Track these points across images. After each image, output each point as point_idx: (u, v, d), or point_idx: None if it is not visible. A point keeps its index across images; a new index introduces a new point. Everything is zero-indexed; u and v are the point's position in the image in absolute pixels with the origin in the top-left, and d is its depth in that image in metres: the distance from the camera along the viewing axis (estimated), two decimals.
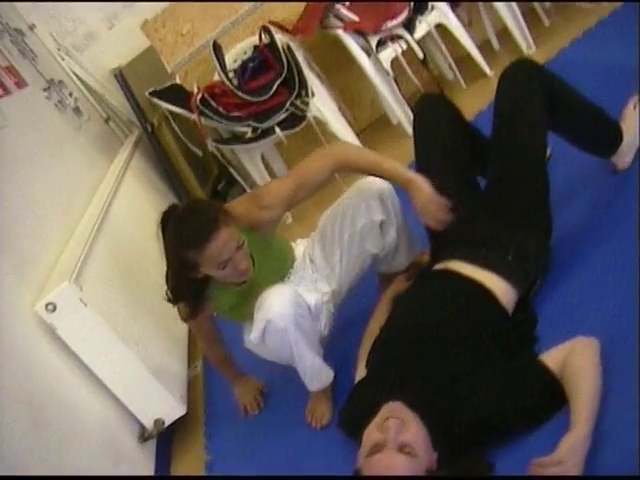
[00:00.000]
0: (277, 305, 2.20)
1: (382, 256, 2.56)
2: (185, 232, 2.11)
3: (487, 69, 4.10)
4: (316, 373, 2.40)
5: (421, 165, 2.35)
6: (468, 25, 4.29)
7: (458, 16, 4.11)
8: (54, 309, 2.52)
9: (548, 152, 2.62)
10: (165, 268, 2.36)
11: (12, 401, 2.20)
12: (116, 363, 2.66)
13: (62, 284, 2.53)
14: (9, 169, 3.23)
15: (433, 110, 2.37)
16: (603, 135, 2.31)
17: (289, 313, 2.20)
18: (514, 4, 4.01)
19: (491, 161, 2.23)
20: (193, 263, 2.14)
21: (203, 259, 2.11)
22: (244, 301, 2.38)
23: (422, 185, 2.20)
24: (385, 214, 2.42)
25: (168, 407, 2.79)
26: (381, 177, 2.34)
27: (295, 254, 2.56)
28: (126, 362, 2.67)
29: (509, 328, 1.97)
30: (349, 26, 3.96)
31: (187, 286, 2.31)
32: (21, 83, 4.29)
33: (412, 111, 3.92)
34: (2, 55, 4.30)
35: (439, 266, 2.15)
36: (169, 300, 2.38)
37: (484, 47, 4.31)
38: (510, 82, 2.18)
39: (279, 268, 2.46)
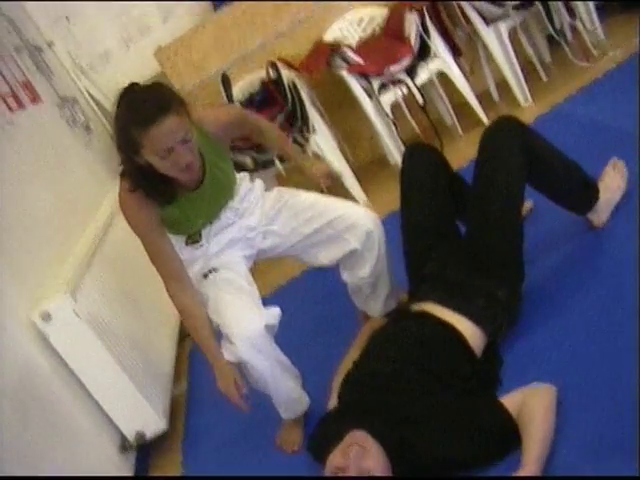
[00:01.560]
0: (247, 342, 2.26)
1: (355, 289, 2.68)
2: (135, 108, 2.08)
3: (484, 118, 4.23)
4: (291, 403, 2.50)
5: (405, 208, 2.48)
6: (469, 74, 4.43)
7: (459, 65, 4.27)
8: (49, 318, 2.65)
9: (531, 205, 2.78)
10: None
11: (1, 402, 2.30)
12: (103, 374, 2.78)
13: (58, 295, 2.66)
14: (16, 180, 3.35)
15: (420, 158, 2.51)
16: (579, 193, 2.44)
17: (264, 350, 2.31)
18: (513, 58, 4.15)
19: (469, 210, 2.36)
20: (136, 144, 2.08)
21: (146, 141, 2.06)
22: (186, 215, 2.37)
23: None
24: (362, 247, 2.51)
25: (150, 421, 2.91)
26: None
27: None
28: (112, 374, 2.79)
29: (475, 370, 2.08)
30: (353, 68, 4.10)
31: (143, 175, 2.23)
32: (36, 98, 4.43)
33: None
34: (20, 70, 4.44)
35: (415, 306, 2.27)
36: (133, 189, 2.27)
37: (483, 96, 4.44)
38: (491, 138, 2.31)
39: (224, 190, 2.45)
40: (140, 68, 5.09)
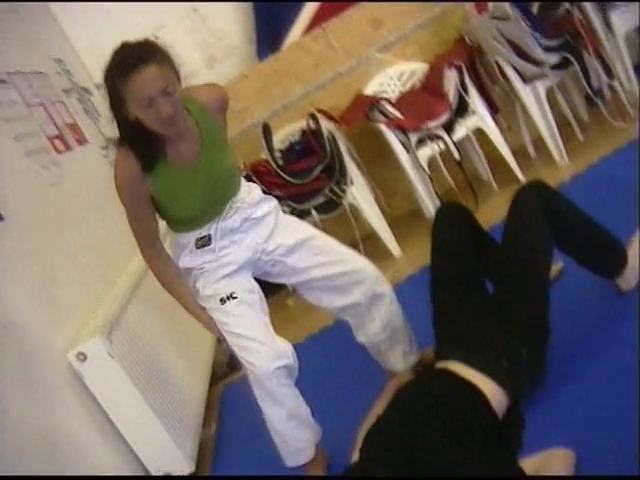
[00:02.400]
0: (258, 383, 2.42)
1: (372, 347, 2.76)
2: (118, 60, 2.13)
3: (520, 175, 4.28)
4: (292, 452, 2.58)
5: (434, 267, 2.53)
6: (506, 130, 4.49)
7: (496, 122, 4.33)
8: (84, 359, 2.73)
9: (561, 267, 2.80)
10: None
11: (31, 437, 2.38)
12: (133, 415, 2.85)
13: (94, 337, 2.75)
14: (59, 221, 3.47)
15: (451, 217, 2.57)
16: (606, 258, 2.48)
17: (275, 393, 2.43)
18: (550, 117, 4.20)
19: (496, 271, 2.41)
20: (120, 95, 2.13)
21: (127, 90, 2.10)
22: (181, 191, 2.36)
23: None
24: (368, 303, 2.63)
25: (177, 463, 2.95)
26: None
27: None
28: (142, 415, 2.86)
29: (496, 430, 2.11)
30: (392, 122, 4.19)
31: (129, 128, 2.24)
32: (82, 140, 4.57)
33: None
34: (68, 113, 4.60)
35: (440, 364, 2.31)
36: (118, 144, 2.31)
37: (520, 152, 4.49)
38: (519, 201, 2.37)
39: (222, 173, 2.45)
40: None
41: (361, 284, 2.61)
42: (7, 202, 2.96)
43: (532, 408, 2.27)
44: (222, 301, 2.48)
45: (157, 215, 2.47)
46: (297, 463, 2.60)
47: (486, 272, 2.55)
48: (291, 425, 2.51)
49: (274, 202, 2.65)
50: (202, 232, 2.47)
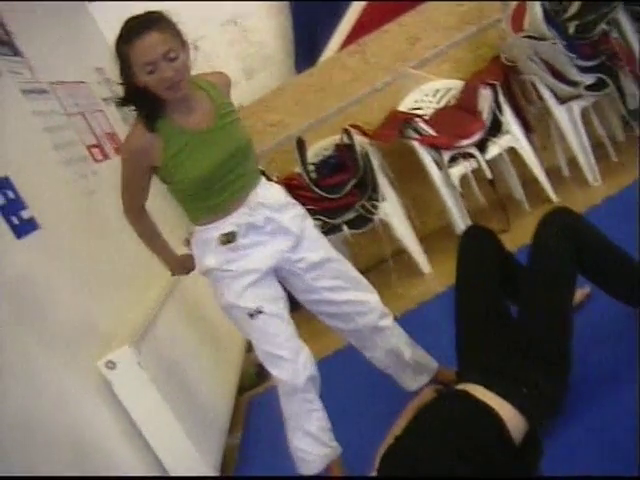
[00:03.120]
0: (286, 395, 2.58)
1: (379, 365, 2.84)
2: (125, 27, 2.27)
3: (552, 195, 4.27)
4: (302, 462, 2.66)
5: (458, 290, 2.55)
6: (540, 149, 4.49)
7: (530, 141, 4.33)
8: (114, 367, 2.80)
9: (587, 292, 2.80)
10: None
11: (60, 441, 2.45)
12: (159, 423, 2.91)
13: (124, 346, 2.82)
14: (94, 229, 3.54)
15: (477, 240, 2.59)
16: (631, 286, 2.47)
17: (297, 405, 2.58)
18: (585, 138, 4.19)
19: (520, 297, 2.43)
20: (127, 61, 2.27)
21: (132, 55, 2.25)
22: (195, 153, 2.42)
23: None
24: (369, 333, 2.73)
25: (201, 471, 3.00)
26: None
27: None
28: (168, 424, 2.92)
29: (511, 455, 2.12)
30: (425, 139, 4.22)
31: (135, 93, 2.37)
32: (120, 149, 4.66)
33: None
34: (107, 122, 4.68)
35: (461, 386, 2.33)
36: (120, 104, 2.46)
37: (553, 172, 4.48)
38: (543, 228, 2.38)
39: (235, 141, 2.49)
40: None
41: (364, 315, 2.70)
42: (44, 211, 3.04)
43: (550, 436, 2.27)
44: (251, 316, 2.53)
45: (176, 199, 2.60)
46: (309, 472, 2.66)
47: (511, 296, 2.56)
48: (308, 440, 2.61)
49: (300, 209, 2.70)
50: (226, 227, 2.49)
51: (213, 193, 2.47)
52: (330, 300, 2.67)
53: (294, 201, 2.70)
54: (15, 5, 3.94)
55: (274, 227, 2.55)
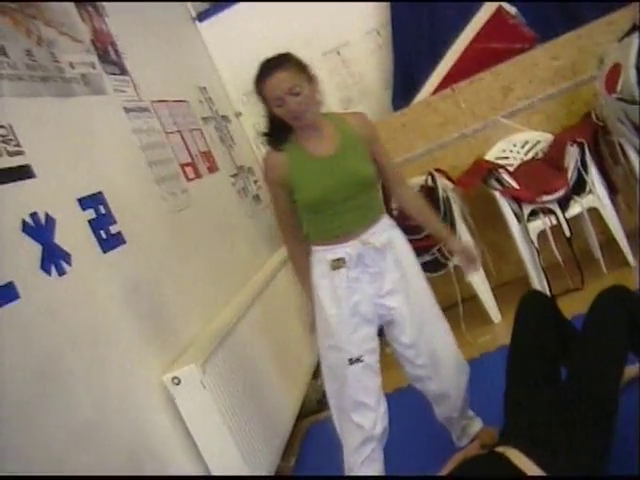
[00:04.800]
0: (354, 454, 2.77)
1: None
2: (260, 66, 2.61)
3: (631, 259, 4.24)
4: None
5: (511, 353, 2.62)
6: (626, 211, 4.47)
7: (614, 203, 4.32)
8: (179, 383, 2.96)
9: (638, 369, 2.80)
10: None
11: (120, 448, 2.62)
12: (215, 441, 3.05)
13: (190, 365, 2.98)
14: (179, 248, 3.72)
15: (534, 306, 2.66)
16: None
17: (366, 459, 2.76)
18: None
19: (570, 365, 2.47)
20: (262, 95, 2.62)
21: (264, 90, 2.59)
22: (311, 176, 2.69)
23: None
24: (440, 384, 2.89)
25: None
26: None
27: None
28: (224, 443, 3.06)
29: None
30: (507, 191, 4.26)
31: (271, 122, 2.72)
32: (213, 167, 4.84)
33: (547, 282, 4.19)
34: (204, 140, 4.87)
35: (500, 448, 2.38)
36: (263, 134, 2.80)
37: (635, 234, 4.45)
38: (601, 303, 2.43)
39: (352, 173, 2.69)
40: None
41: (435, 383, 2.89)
42: (131, 226, 3.23)
43: None
44: (350, 361, 2.72)
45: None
46: None
47: (565, 361, 2.60)
48: None
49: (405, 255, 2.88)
50: (337, 253, 2.69)
51: (326, 218, 2.71)
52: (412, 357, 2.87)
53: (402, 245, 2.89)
54: (128, 26, 4.18)
55: (374, 272, 2.74)
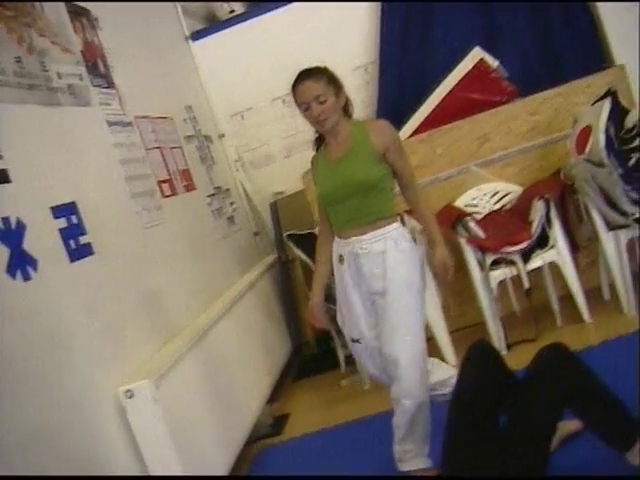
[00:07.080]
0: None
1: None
2: (297, 74, 2.93)
3: (587, 316, 4.36)
4: None
5: (455, 400, 2.69)
6: (588, 268, 4.59)
7: (575, 259, 4.43)
8: (131, 396, 3.02)
9: (578, 425, 2.87)
10: None
11: (68, 457, 2.64)
12: (161, 458, 3.08)
13: (144, 380, 3.03)
14: (148, 263, 3.78)
15: (479, 357, 2.74)
16: (618, 431, 2.55)
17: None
18: (627, 266, 4.26)
19: (508, 416, 2.57)
20: (294, 99, 2.94)
21: (295, 96, 2.93)
22: (322, 174, 3.08)
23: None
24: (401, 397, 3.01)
25: None
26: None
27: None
28: (169, 460, 3.09)
29: None
30: (472, 240, 4.38)
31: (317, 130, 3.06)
32: (190, 186, 4.91)
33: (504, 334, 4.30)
34: (184, 159, 4.95)
35: None
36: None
37: (594, 293, 4.57)
38: (541, 360, 2.54)
39: (356, 173, 2.93)
40: (294, 178, 5.38)
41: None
42: (102, 238, 3.29)
43: None
44: (352, 340, 3.15)
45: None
46: None
47: (505, 411, 2.69)
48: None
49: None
50: (340, 249, 3.05)
51: (332, 215, 3.07)
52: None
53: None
54: (120, 40, 4.27)
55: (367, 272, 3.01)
